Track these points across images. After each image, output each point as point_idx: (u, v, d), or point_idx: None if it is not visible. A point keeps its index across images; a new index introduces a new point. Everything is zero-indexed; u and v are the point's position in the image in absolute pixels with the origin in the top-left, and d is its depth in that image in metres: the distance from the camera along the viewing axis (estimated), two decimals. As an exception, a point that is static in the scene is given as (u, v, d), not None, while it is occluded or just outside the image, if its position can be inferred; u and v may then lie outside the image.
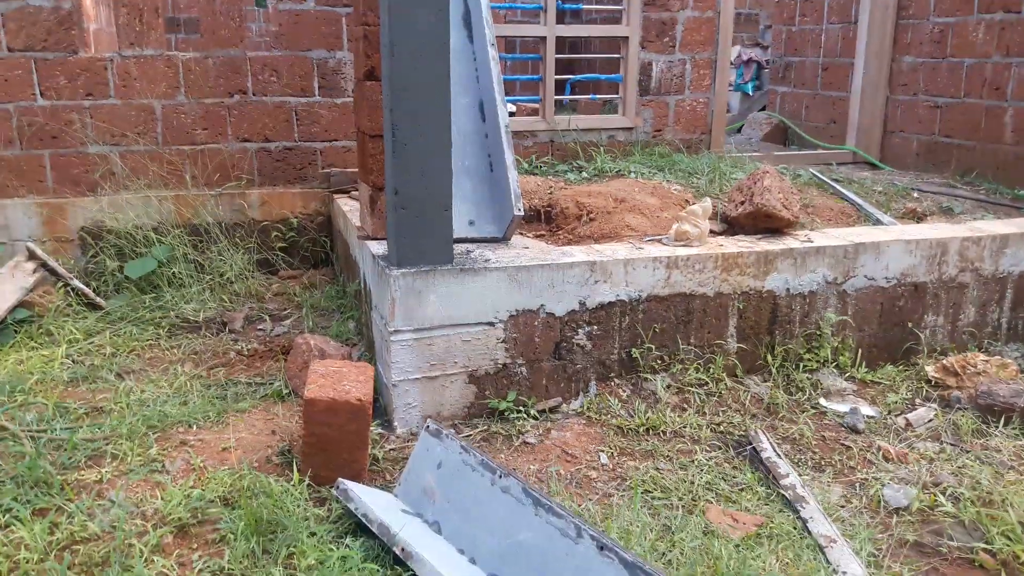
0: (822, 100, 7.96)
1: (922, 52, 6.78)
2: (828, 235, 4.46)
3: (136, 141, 5.58)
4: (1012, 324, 4.76)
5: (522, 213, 4.16)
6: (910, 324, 4.54)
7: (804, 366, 4.34)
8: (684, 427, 3.85)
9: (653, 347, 4.08)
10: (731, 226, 4.55)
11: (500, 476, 2.90)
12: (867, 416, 4.04)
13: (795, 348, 4.35)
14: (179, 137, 5.67)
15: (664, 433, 3.81)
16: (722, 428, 3.88)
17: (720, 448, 3.71)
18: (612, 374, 4.10)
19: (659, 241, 4.27)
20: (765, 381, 4.28)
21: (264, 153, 5.81)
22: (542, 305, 3.87)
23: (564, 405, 3.99)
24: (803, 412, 4.06)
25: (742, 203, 4.49)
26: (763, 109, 9.43)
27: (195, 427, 3.64)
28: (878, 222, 4.93)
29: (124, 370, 4.30)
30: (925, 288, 4.51)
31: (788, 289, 4.26)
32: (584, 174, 5.56)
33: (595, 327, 3.98)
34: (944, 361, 4.35)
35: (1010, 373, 4.26)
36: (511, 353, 3.87)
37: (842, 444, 3.82)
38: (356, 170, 5.77)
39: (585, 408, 3.96)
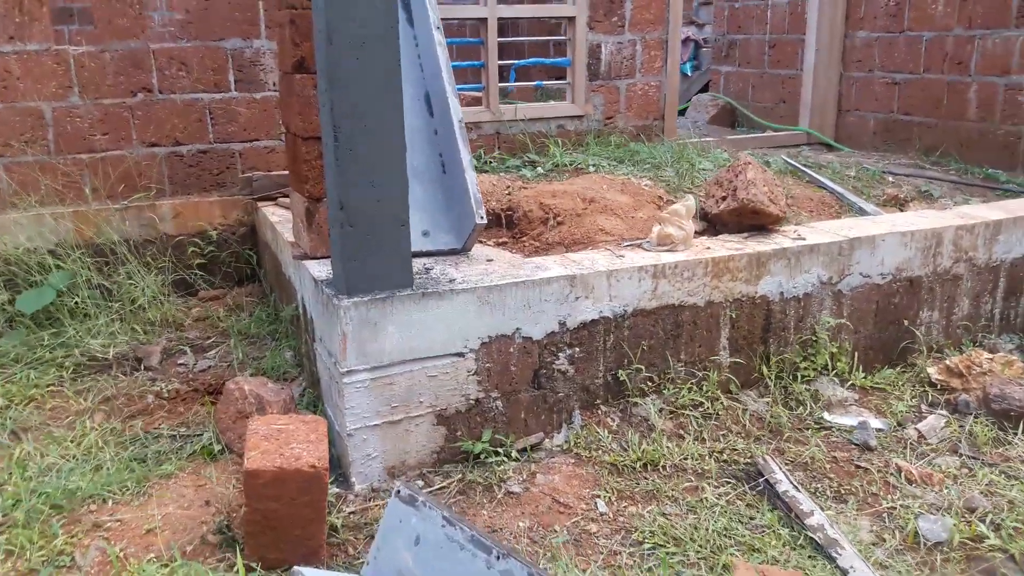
0: (770, 79, 7.62)
1: (877, 26, 6.48)
2: (819, 230, 4.06)
3: (23, 151, 4.81)
4: (1004, 314, 4.48)
5: (485, 221, 3.63)
6: (905, 322, 4.19)
7: (801, 375, 3.95)
8: (685, 458, 3.39)
9: (642, 367, 3.62)
10: (712, 224, 4.11)
11: (497, 557, 2.37)
12: (876, 430, 3.66)
13: (791, 357, 3.95)
14: (75, 144, 4.92)
15: (664, 468, 3.34)
16: (726, 456, 3.44)
17: (729, 482, 3.27)
18: (598, 400, 3.61)
19: (639, 246, 3.79)
20: (762, 396, 3.87)
21: (175, 158, 5.11)
22: (517, 329, 3.35)
23: (547, 440, 3.49)
24: (807, 429, 3.66)
25: (723, 198, 4.05)
26: (704, 90, 9.07)
27: (111, 502, 3.00)
28: (862, 212, 4.57)
29: (20, 427, 3.61)
30: (920, 282, 4.16)
31: (782, 293, 3.85)
32: (540, 170, 5.04)
33: (577, 349, 3.48)
34: (947, 362, 4.02)
35: (1016, 371, 3.95)
36: (484, 386, 3.34)
37: (857, 466, 3.43)
38: (282, 173, 5.14)
39: (571, 443, 3.46)
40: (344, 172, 2.97)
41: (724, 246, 3.79)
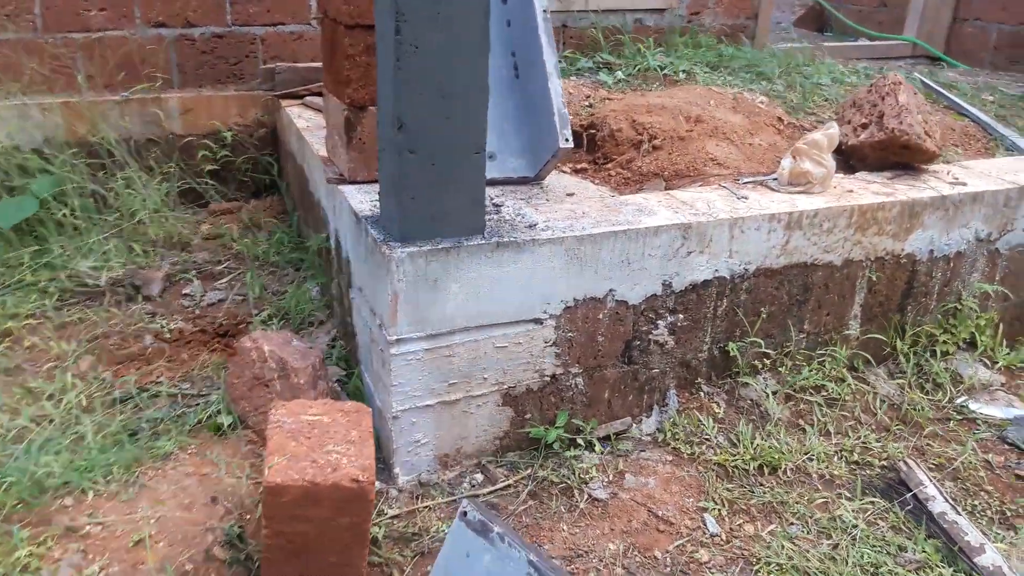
0: (869, -23, 6.59)
1: (1016, -83, 5.45)
2: (977, 173, 3.26)
3: (4, 27, 3.99)
4: None
5: (571, 144, 2.85)
6: (1066, 289, 3.44)
7: (939, 351, 3.23)
8: (809, 458, 2.72)
9: (758, 339, 2.90)
10: (845, 158, 3.30)
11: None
12: (1018, 417, 2.97)
13: (929, 328, 3.22)
14: (66, 21, 4.09)
15: (784, 472, 2.67)
16: (857, 457, 2.76)
17: (865, 494, 2.60)
18: (699, 379, 2.91)
19: (762, 184, 3.01)
20: (893, 376, 3.16)
21: (185, 43, 4.27)
22: (611, 291, 2.62)
23: (634, 427, 2.82)
24: (948, 420, 2.97)
25: (863, 126, 3.24)
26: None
27: (91, 494, 2.35)
28: (1014, 147, 3.74)
29: (-10, 371, 2.96)
30: (1091, 242, 3.38)
31: (932, 251, 3.09)
32: (619, 74, 4.19)
33: (681, 316, 2.76)
34: (1120, 343, 3.29)
35: None
36: (563, 360, 2.64)
37: (1018, 476, 2.75)
38: (311, 66, 4.32)
39: (667, 432, 2.79)
40: (407, 77, 2.19)
41: (869, 189, 3.00)
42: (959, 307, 3.23)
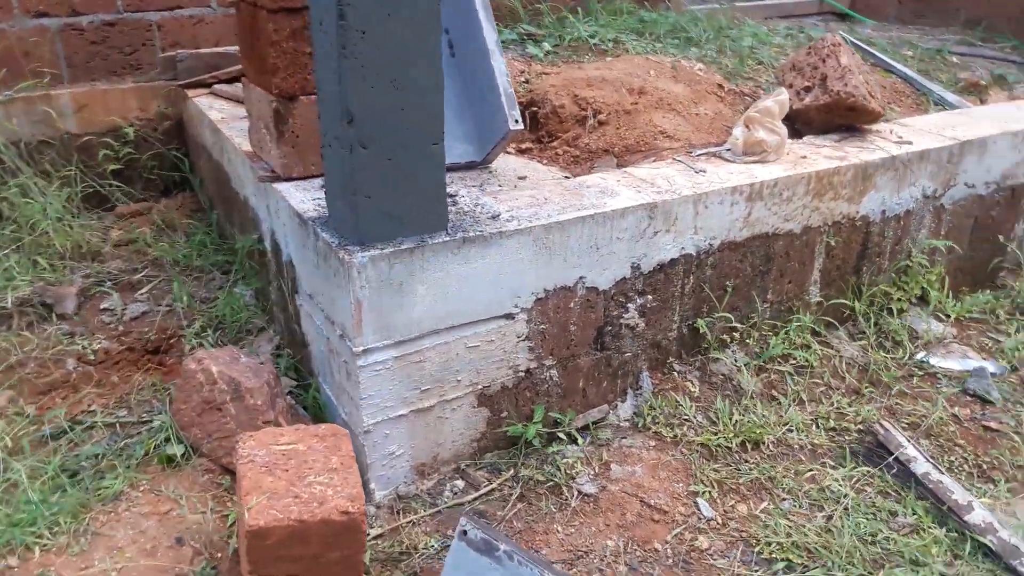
0: (770, -66, 6.61)
1: None
2: (918, 130, 3.28)
3: None
4: (1094, 221, 3.85)
5: (521, 126, 2.70)
6: (1000, 237, 3.52)
7: (894, 308, 3.25)
8: (789, 430, 2.69)
9: (725, 313, 2.84)
10: (791, 121, 3.26)
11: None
12: (991, 374, 3.03)
13: (883, 287, 3.24)
14: (-74, 12, 3.65)
15: (767, 445, 2.64)
16: (834, 423, 2.75)
17: (850, 459, 2.59)
18: (670, 358, 2.84)
19: (716, 155, 2.94)
20: (854, 338, 3.17)
21: (73, 33, 3.88)
22: (581, 278, 2.50)
23: (611, 414, 2.72)
24: (911, 378, 3.00)
25: (806, 89, 3.20)
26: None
27: (37, 550, 2.10)
28: (943, 103, 3.80)
29: None
30: (1022, 190, 3.46)
31: (884, 211, 3.09)
32: (546, 45, 4.04)
33: (650, 297, 2.67)
34: (1056, 286, 3.39)
35: None
36: (537, 353, 2.52)
37: (986, 427, 2.80)
38: (216, 51, 4.02)
39: (644, 415, 2.70)
40: (354, 66, 1.99)
41: (821, 154, 2.97)
42: (910, 264, 3.26)
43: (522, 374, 2.52)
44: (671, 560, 2.23)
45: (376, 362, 2.25)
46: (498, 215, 2.39)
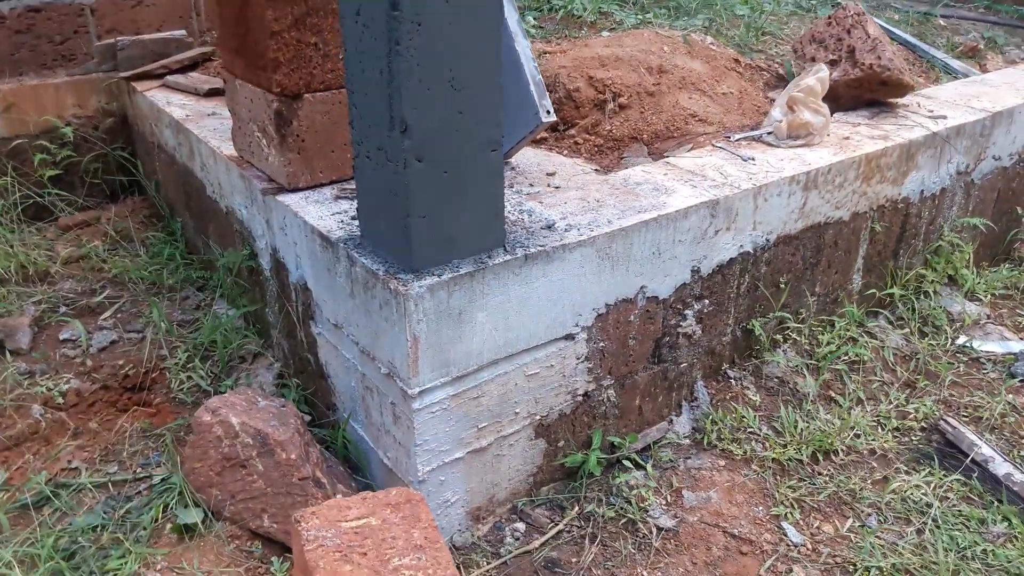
0: None
1: None
2: (943, 103, 3.12)
3: None
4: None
5: (554, 117, 2.40)
6: (1019, 209, 3.43)
7: (928, 289, 3.12)
8: (856, 435, 2.52)
9: (779, 312, 2.64)
10: (816, 98, 3.05)
11: None
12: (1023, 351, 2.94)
13: (917, 268, 3.10)
14: None
15: (837, 454, 2.45)
16: (896, 423, 2.59)
17: (922, 463, 2.44)
18: (724, 364, 2.62)
19: (758, 140, 2.70)
20: (893, 325, 3.01)
21: (-11, 19, 3.36)
22: (642, 288, 2.25)
23: (669, 432, 2.49)
24: (959, 364, 2.87)
25: (833, 63, 2.99)
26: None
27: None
28: (948, 69, 3.66)
29: None
30: (1038, 159, 3.37)
31: (922, 191, 2.93)
32: (530, 18, 3.72)
33: (707, 301, 2.44)
34: (1079, 257, 3.31)
35: None
36: (596, 374, 2.26)
37: (1046, 415, 2.69)
38: (158, 37, 3.57)
39: (707, 430, 2.48)
40: (410, 66, 1.66)
41: (862, 134, 2.78)
42: (942, 244, 3.12)
43: (580, 398, 2.26)
44: (772, 598, 2.03)
45: (432, 403, 1.95)
46: (553, 224, 2.11)
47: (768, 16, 3.88)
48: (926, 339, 2.95)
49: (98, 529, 2.09)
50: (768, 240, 2.49)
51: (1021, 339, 3.04)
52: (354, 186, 2.31)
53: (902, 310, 3.03)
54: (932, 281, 3.11)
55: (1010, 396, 2.75)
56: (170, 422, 2.50)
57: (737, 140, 2.69)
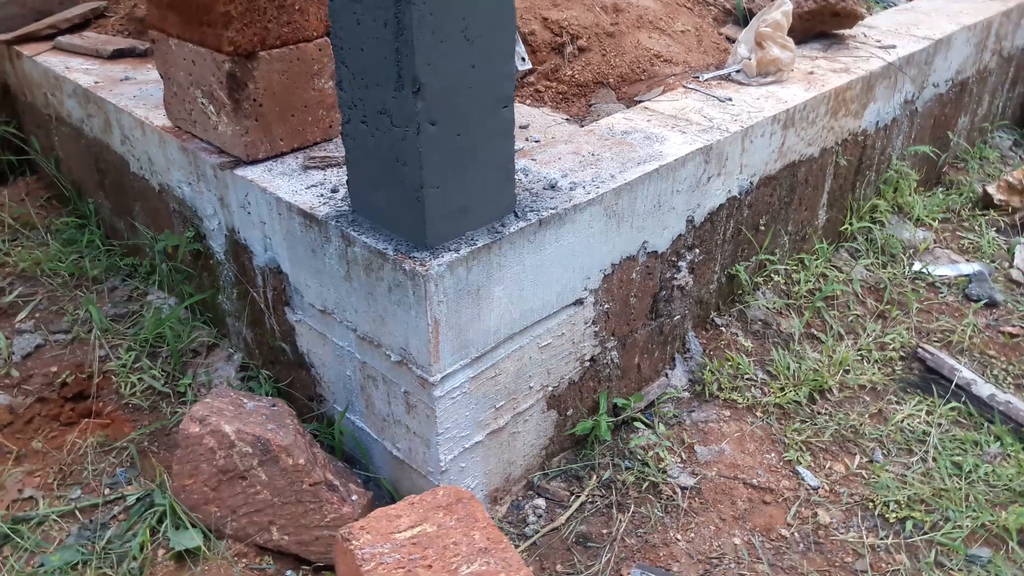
0: None
1: None
2: (887, 32, 3.13)
3: None
4: (1004, 108, 3.98)
5: (529, 64, 2.24)
6: (949, 134, 3.52)
7: (879, 219, 3.16)
8: (846, 371, 2.53)
9: (761, 255, 2.60)
10: (768, 32, 3.00)
11: None
12: (975, 273, 3.04)
13: (873, 200, 3.13)
14: None
15: (832, 392, 2.46)
16: (877, 355, 2.62)
17: (910, 391, 2.48)
18: (711, 312, 2.57)
19: (727, 78, 2.62)
20: (855, 257, 3.05)
21: None
22: (644, 243, 2.14)
23: (668, 387, 2.43)
24: (919, 290, 2.93)
25: (783, -6, 2.93)
26: None
27: None
28: (875, -4, 3.69)
29: None
30: (966, 86, 3.46)
31: (877, 122, 2.94)
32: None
33: (698, 251, 2.36)
34: (1007, 177, 3.44)
35: (1066, 177, 3.47)
36: (601, 337, 2.15)
37: (1006, 333, 2.79)
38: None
39: (705, 381, 2.43)
40: (422, 15, 1.46)
41: (823, 68, 2.74)
42: (891, 173, 3.16)
43: (587, 363, 2.15)
44: (803, 545, 2.01)
45: (453, 388, 1.79)
46: (555, 183, 1.96)
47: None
48: (887, 269, 3.00)
49: (79, 566, 1.84)
50: (752, 183, 2.43)
51: (968, 261, 3.14)
52: (323, 154, 2.09)
53: (861, 241, 3.06)
54: (884, 211, 3.16)
55: (971, 317, 2.84)
56: (129, 432, 2.23)
57: (707, 80, 2.60)
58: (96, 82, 2.63)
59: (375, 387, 1.93)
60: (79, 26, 3.04)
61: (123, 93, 2.53)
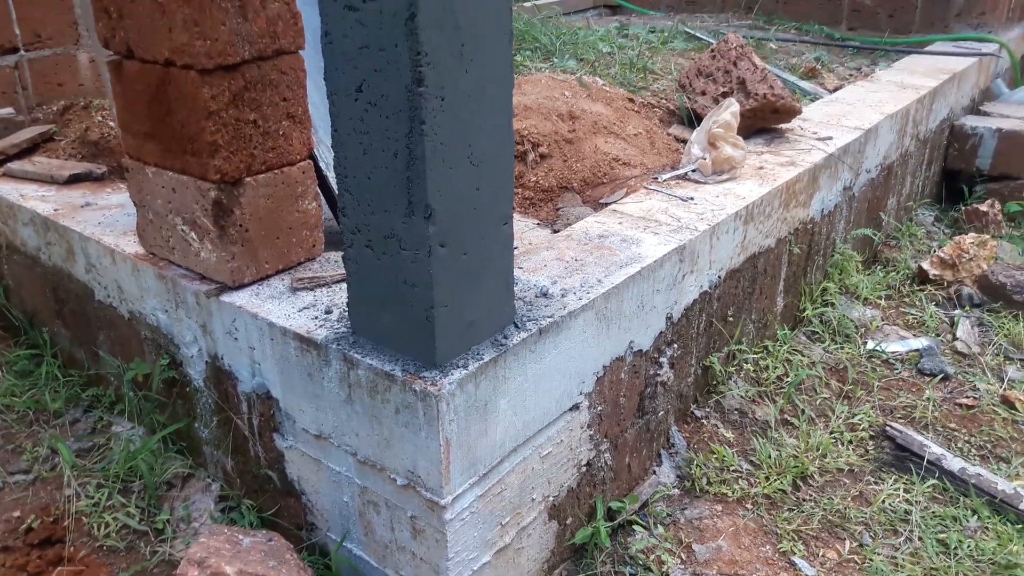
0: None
1: None
2: (820, 124, 3.33)
3: None
4: (923, 186, 4.25)
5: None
6: (882, 214, 3.73)
7: (830, 300, 3.30)
8: (823, 456, 2.59)
9: (731, 345, 2.67)
10: (713, 131, 3.16)
11: None
12: (925, 348, 3.18)
13: (820, 282, 3.28)
14: None
15: (814, 477, 2.52)
16: (850, 436, 2.70)
17: (885, 471, 2.55)
18: (690, 405, 2.61)
19: (685, 178, 2.74)
20: (812, 340, 3.16)
21: None
22: (630, 343, 2.19)
23: (658, 485, 2.44)
24: (875, 369, 3.05)
25: (723, 95, 3.11)
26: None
27: None
28: (799, 89, 3.93)
29: None
30: (892, 169, 3.69)
31: (822, 210, 3.10)
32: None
33: (676, 345, 2.42)
34: (939, 253, 3.65)
35: (991, 250, 3.70)
36: (596, 440, 2.16)
37: (961, 405, 2.91)
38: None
39: (694, 477, 2.45)
40: (434, 145, 1.49)
41: (771, 162, 2.89)
42: (836, 256, 3.32)
43: (584, 469, 2.15)
44: (813, 639, 2.02)
45: (463, 509, 1.76)
46: (547, 291, 1.99)
47: (636, 53, 3.98)
48: (843, 349, 3.12)
49: None
50: (720, 276, 2.52)
51: (915, 336, 3.29)
52: (309, 274, 2.08)
53: (816, 324, 3.18)
54: (833, 292, 3.30)
55: (929, 392, 2.96)
56: (106, 577, 2.10)
57: (666, 180, 2.71)
58: (56, 209, 2.56)
59: (376, 513, 1.88)
60: (28, 151, 2.98)
61: (86, 220, 2.47)
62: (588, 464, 2.16)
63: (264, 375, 2.01)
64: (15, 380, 2.76)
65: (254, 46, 1.88)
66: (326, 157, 2.32)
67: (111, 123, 3.01)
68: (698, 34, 4.57)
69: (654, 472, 2.46)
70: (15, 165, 2.86)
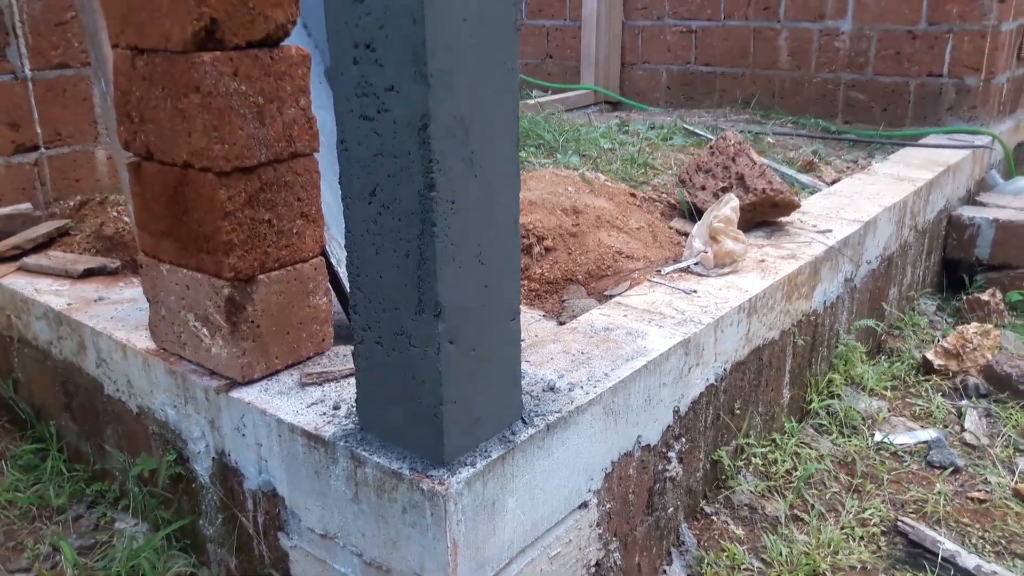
0: (529, 31, 6.82)
1: (663, -29, 6.00)
2: (820, 217, 3.40)
3: None
4: (924, 275, 4.30)
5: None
6: (884, 305, 3.76)
7: (835, 392, 3.30)
8: (835, 553, 2.55)
9: (742, 439, 2.66)
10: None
11: None
12: (934, 440, 3.16)
13: (825, 373, 3.28)
14: None
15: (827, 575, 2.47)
16: (862, 532, 2.66)
17: (898, 568, 2.51)
18: (700, 501, 2.59)
19: (687, 271, 2.78)
20: (820, 432, 3.14)
21: None
22: (638, 438, 2.18)
23: (668, 581, 2.40)
24: (885, 462, 3.03)
25: (723, 190, 3.18)
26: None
27: None
28: (797, 182, 4.02)
29: None
30: (892, 260, 3.74)
31: (824, 302, 3.14)
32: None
33: (684, 439, 2.41)
34: (943, 343, 3.66)
35: (994, 340, 3.72)
36: (605, 540, 2.14)
37: (975, 499, 2.87)
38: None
39: (705, 575, 2.41)
40: (445, 246, 1.53)
41: (772, 255, 2.94)
42: (841, 347, 3.33)
43: (593, 570, 2.12)
44: None
45: (472, 611, 1.73)
46: (554, 385, 2.00)
47: (636, 149, 4.10)
48: (851, 441, 3.10)
49: None
50: (725, 369, 2.53)
51: (923, 427, 3.27)
52: (319, 369, 2.10)
53: (823, 416, 3.17)
54: (839, 384, 3.30)
55: (939, 486, 2.93)
56: None
57: (668, 273, 2.75)
58: (69, 303, 2.60)
59: (384, 613, 1.85)
60: (44, 245, 3.04)
61: (99, 315, 2.50)
62: (597, 564, 2.13)
63: (271, 472, 2.01)
64: (19, 475, 2.75)
65: (271, 149, 1.95)
66: (337, 253, 2.37)
67: (125, 218, 3.08)
68: (696, 130, 4.69)
69: (664, 571, 2.42)
70: (31, 259, 2.92)
